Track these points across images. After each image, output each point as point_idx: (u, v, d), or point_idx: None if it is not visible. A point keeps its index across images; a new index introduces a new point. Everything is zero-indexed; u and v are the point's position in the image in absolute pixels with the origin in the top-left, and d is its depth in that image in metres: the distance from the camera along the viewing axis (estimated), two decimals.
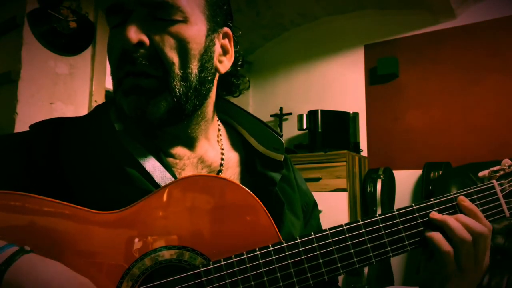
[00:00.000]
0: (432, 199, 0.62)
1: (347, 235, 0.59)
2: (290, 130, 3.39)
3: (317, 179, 2.68)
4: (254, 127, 0.77)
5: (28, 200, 0.54)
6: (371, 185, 2.74)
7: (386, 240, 0.59)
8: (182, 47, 0.62)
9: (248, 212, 0.59)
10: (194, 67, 0.64)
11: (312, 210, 0.81)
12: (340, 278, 2.56)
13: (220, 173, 0.72)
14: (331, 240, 0.58)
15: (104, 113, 0.70)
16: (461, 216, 0.60)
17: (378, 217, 0.60)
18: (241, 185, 0.59)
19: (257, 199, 0.59)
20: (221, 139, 0.76)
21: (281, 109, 3.44)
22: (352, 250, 0.58)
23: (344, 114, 2.96)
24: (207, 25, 0.66)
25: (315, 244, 0.58)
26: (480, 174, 0.66)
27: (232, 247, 0.57)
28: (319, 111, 2.90)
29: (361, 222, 0.60)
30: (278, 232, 0.59)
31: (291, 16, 3.30)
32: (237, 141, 0.78)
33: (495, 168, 0.65)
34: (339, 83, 3.23)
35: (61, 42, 2.13)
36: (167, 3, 0.61)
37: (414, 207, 0.61)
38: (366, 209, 2.74)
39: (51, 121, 0.69)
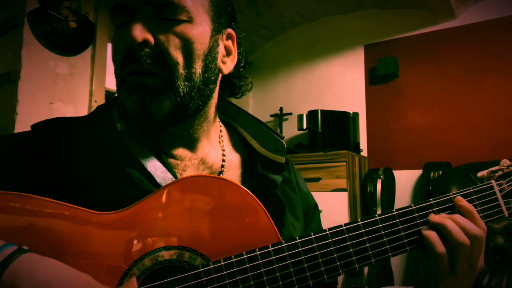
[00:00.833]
0: (431, 199, 0.62)
1: (346, 235, 0.59)
2: (290, 130, 3.39)
3: (317, 179, 2.68)
4: (256, 129, 0.77)
5: (27, 201, 0.54)
6: (371, 185, 2.74)
7: (385, 239, 0.59)
8: (187, 47, 0.63)
9: (247, 213, 0.59)
10: (198, 67, 0.64)
11: (313, 212, 0.81)
12: (340, 278, 2.57)
13: (221, 175, 0.72)
14: (330, 240, 0.58)
15: (106, 113, 0.70)
16: (458, 217, 0.60)
17: (377, 217, 0.60)
18: (241, 186, 0.60)
19: (257, 199, 0.59)
20: (222, 140, 0.76)
21: (281, 109, 3.44)
22: (351, 250, 0.58)
23: (344, 114, 2.96)
24: (212, 25, 0.67)
25: (315, 244, 0.58)
26: (479, 174, 0.67)
27: (232, 247, 0.57)
28: (319, 111, 2.90)
29: (360, 222, 0.60)
30: (277, 232, 0.59)
31: (291, 16, 3.30)
32: (238, 143, 0.78)
33: (494, 168, 0.65)
34: (339, 83, 3.24)
35: (61, 42, 2.13)
36: (173, 2, 0.61)
37: (413, 207, 0.61)
38: (366, 209, 2.74)
39: (53, 121, 0.69)
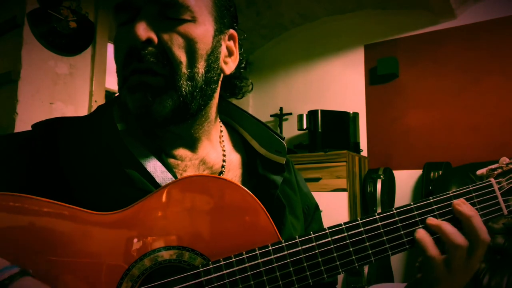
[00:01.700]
0: (430, 198, 0.62)
1: (346, 234, 0.59)
2: (290, 130, 3.39)
3: (317, 179, 2.68)
4: (256, 130, 0.77)
5: (27, 202, 0.54)
6: (371, 185, 2.74)
7: (384, 238, 0.59)
8: (190, 47, 0.63)
9: (248, 213, 0.59)
10: (201, 67, 0.64)
11: (313, 213, 0.81)
12: (340, 277, 2.57)
13: (221, 175, 0.72)
14: (330, 239, 0.58)
15: (106, 113, 0.70)
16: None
17: (376, 216, 0.60)
18: (241, 186, 0.59)
19: (257, 199, 0.59)
20: (223, 141, 0.76)
21: (281, 109, 3.44)
22: (351, 249, 0.58)
23: (344, 114, 2.96)
24: (215, 26, 0.67)
25: (314, 243, 0.58)
26: (478, 172, 0.66)
27: (231, 247, 0.57)
28: (319, 111, 2.90)
29: (360, 221, 0.60)
30: (277, 232, 0.59)
31: (291, 16, 3.30)
32: (238, 143, 0.78)
33: (493, 166, 0.65)
34: (339, 83, 3.24)
35: (61, 42, 2.13)
36: (177, 2, 0.61)
37: (413, 206, 0.61)
38: (366, 209, 2.74)
39: (53, 120, 0.69)
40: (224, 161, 0.73)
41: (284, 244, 0.57)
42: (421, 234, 0.59)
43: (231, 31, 0.72)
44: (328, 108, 3.06)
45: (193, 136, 0.70)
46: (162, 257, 0.56)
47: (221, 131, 0.77)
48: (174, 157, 0.69)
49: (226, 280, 0.55)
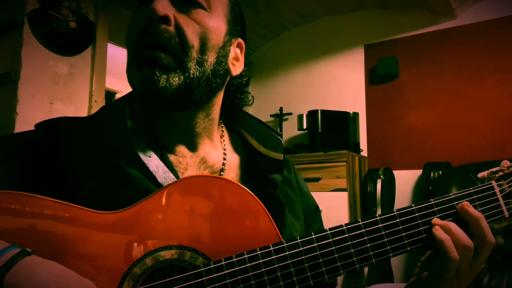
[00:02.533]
0: (431, 200, 0.62)
1: (347, 235, 0.59)
2: (290, 130, 3.39)
3: (317, 179, 2.68)
4: (255, 128, 0.78)
5: (28, 201, 0.54)
6: (371, 185, 2.74)
7: (386, 240, 0.59)
8: (204, 34, 0.65)
9: (248, 213, 0.59)
10: (211, 56, 0.66)
11: (314, 213, 0.81)
12: (340, 278, 2.57)
13: (222, 175, 0.72)
14: (331, 240, 0.58)
15: (117, 109, 0.70)
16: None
17: (378, 217, 0.60)
18: (242, 186, 0.60)
19: (258, 199, 0.59)
20: (224, 141, 0.77)
21: (281, 109, 3.44)
22: (352, 250, 0.58)
23: (344, 114, 2.96)
24: (227, 26, 0.70)
25: (315, 244, 0.58)
26: (480, 175, 0.67)
27: (233, 247, 0.57)
28: (319, 111, 2.90)
29: (361, 222, 0.60)
30: (278, 232, 0.59)
31: (291, 16, 3.30)
32: (239, 144, 0.79)
33: (494, 169, 0.65)
34: (339, 83, 3.24)
35: (61, 42, 2.13)
36: None
37: (414, 207, 0.61)
38: (366, 209, 2.74)
39: (56, 120, 0.70)
40: (224, 159, 0.74)
41: (285, 244, 0.57)
42: (443, 234, 0.59)
43: (240, 40, 0.74)
44: (328, 108, 3.06)
45: (193, 130, 0.71)
46: (163, 256, 0.56)
47: (222, 131, 0.78)
48: (175, 153, 0.69)
49: (227, 280, 0.55)
